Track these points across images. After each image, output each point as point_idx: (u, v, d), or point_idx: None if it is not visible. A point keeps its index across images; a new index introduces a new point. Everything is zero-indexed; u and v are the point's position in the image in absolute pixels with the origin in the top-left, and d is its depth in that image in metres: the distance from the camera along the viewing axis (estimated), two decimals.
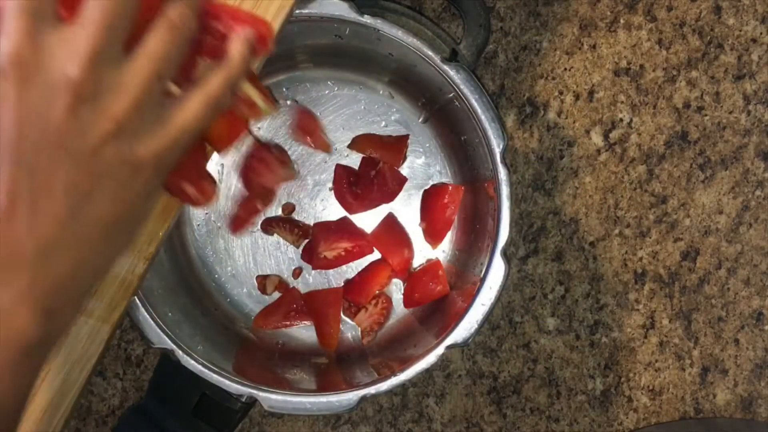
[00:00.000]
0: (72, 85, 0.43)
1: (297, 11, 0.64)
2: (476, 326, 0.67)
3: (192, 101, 0.48)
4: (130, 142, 0.45)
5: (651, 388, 0.79)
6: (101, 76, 0.44)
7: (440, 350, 0.67)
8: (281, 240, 0.78)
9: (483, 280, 0.67)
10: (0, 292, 0.43)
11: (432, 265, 0.76)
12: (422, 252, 0.78)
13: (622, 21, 0.79)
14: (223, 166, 0.78)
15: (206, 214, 0.78)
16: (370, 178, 0.77)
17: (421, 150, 0.78)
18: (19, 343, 0.44)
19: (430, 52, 0.67)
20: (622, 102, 0.79)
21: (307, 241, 0.78)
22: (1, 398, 0.44)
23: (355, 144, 0.78)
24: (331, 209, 0.78)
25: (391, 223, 0.78)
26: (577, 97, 0.79)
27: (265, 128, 0.78)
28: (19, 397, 0.45)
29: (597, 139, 0.79)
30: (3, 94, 0.43)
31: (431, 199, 0.77)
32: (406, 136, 0.78)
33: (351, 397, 0.67)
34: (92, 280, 0.47)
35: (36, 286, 0.44)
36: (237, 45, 0.50)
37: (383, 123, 0.78)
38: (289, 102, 0.78)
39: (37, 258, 0.43)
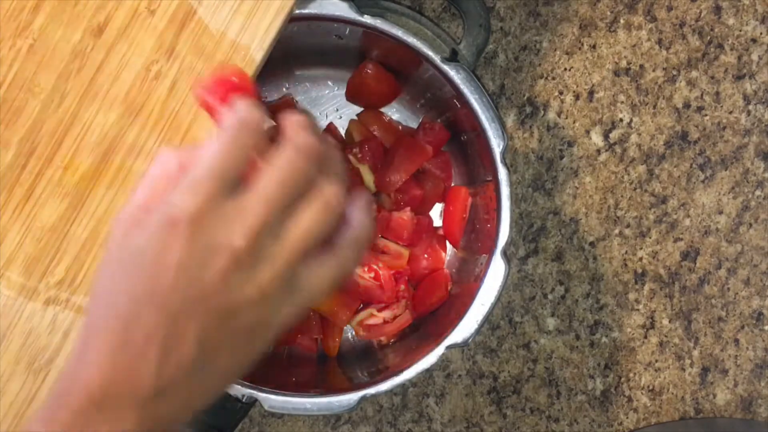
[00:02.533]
0: (233, 253, 0.45)
1: (297, 11, 0.64)
2: (476, 326, 0.67)
3: (325, 275, 0.49)
4: (270, 308, 0.47)
5: (651, 388, 0.79)
6: (261, 247, 0.46)
7: (440, 350, 0.67)
8: None
9: (483, 280, 0.67)
10: (107, 425, 0.44)
11: (438, 275, 0.76)
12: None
13: (622, 21, 0.79)
14: None
15: None
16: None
17: None
18: None
19: (430, 52, 0.67)
20: (622, 102, 0.79)
21: None
22: None
23: (363, 117, 0.78)
24: None
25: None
26: (577, 97, 0.79)
27: None
28: None
29: (597, 139, 0.79)
30: (170, 244, 0.45)
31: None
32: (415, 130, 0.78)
33: (351, 397, 0.67)
34: (195, 412, 0.48)
35: (143, 424, 0.45)
36: (359, 215, 0.51)
37: None
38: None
39: (151, 399, 0.45)
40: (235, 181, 0.47)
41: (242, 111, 0.48)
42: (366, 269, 0.73)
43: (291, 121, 0.49)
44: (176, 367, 0.45)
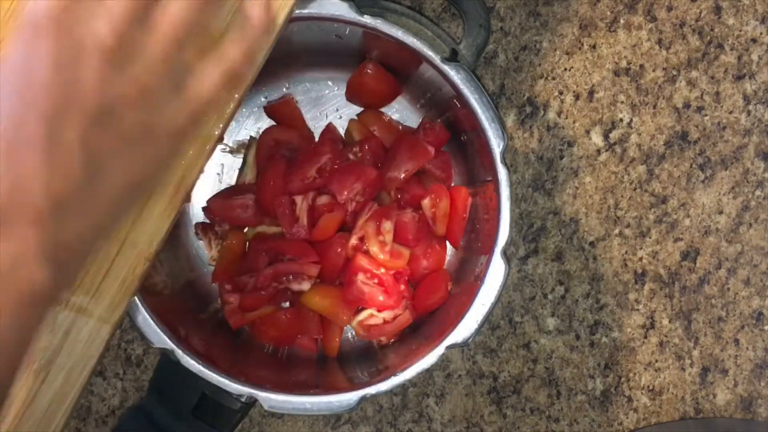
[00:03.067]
0: (102, 48, 0.44)
1: (297, 11, 0.64)
2: (476, 326, 0.67)
3: (211, 73, 0.48)
4: (151, 109, 0.45)
5: (651, 388, 0.79)
6: (131, 40, 0.45)
7: (440, 350, 0.67)
8: None
9: (483, 280, 0.67)
10: (9, 245, 0.43)
11: (438, 275, 0.76)
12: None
13: (622, 21, 0.79)
14: (223, 166, 0.78)
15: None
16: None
17: None
18: (26, 293, 0.44)
19: (430, 52, 0.67)
20: (622, 102, 0.79)
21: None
22: (2, 345, 0.44)
23: (363, 117, 0.78)
24: None
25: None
26: (577, 97, 0.79)
27: (250, 128, 0.78)
28: (20, 346, 0.45)
29: (597, 139, 0.79)
30: (37, 46, 0.44)
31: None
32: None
33: (351, 397, 0.67)
34: (100, 239, 0.47)
35: (47, 243, 0.44)
36: (257, 10, 0.50)
37: None
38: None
39: (49, 216, 0.43)
40: None
41: None
42: (369, 276, 0.73)
43: None
44: (65, 177, 0.44)
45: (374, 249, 0.73)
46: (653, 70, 0.79)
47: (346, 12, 0.66)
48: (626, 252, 0.79)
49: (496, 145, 0.67)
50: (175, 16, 0.46)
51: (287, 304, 0.76)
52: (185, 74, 0.47)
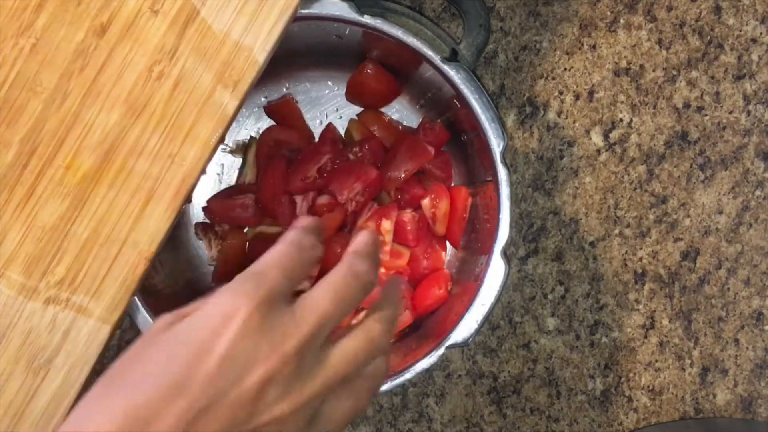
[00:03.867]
0: (280, 360, 0.43)
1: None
2: (476, 326, 0.67)
3: (346, 405, 0.48)
4: (282, 429, 0.45)
5: (651, 388, 0.79)
6: (303, 364, 0.44)
7: (440, 350, 0.67)
8: None
9: (483, 280, 0.67)
10: None
11: (438, 275, 0.76)
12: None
13: (622, 21, 0.79)
14: (223, 166, 0.78)
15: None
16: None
17: None
18: None
19: (430, 52, 0.67)
20: (622, 102, 0.79)
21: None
22: None
23: (363, 117, 0.78)
24: None
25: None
26: (577, 97, 0.79)
27: (250, 128, 0.78)
28: None
29: (597, 139, 0.79)
30: (222, 332, 0.43)
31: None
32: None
33: None
34: None
35: None
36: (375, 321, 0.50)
37: None
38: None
39: None
40: (292, 288, 0.46)
41: (304, 233, 0.49)
42: None
43: (352, 245, 0.49)
44: None
45: None
46: (653, 70, 0.79)
47: (346, 12, 0.66)
48: (626, 252, 0.79)
49: (496, 145, 0.67)
50: (348, 355, 0.46)
51: None
52: (326, 406, 0.47)
